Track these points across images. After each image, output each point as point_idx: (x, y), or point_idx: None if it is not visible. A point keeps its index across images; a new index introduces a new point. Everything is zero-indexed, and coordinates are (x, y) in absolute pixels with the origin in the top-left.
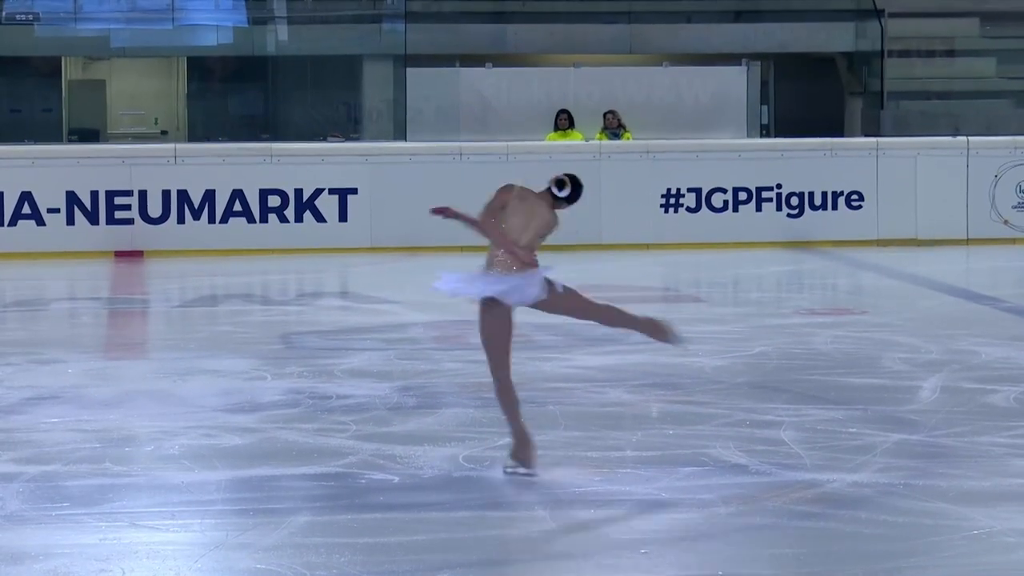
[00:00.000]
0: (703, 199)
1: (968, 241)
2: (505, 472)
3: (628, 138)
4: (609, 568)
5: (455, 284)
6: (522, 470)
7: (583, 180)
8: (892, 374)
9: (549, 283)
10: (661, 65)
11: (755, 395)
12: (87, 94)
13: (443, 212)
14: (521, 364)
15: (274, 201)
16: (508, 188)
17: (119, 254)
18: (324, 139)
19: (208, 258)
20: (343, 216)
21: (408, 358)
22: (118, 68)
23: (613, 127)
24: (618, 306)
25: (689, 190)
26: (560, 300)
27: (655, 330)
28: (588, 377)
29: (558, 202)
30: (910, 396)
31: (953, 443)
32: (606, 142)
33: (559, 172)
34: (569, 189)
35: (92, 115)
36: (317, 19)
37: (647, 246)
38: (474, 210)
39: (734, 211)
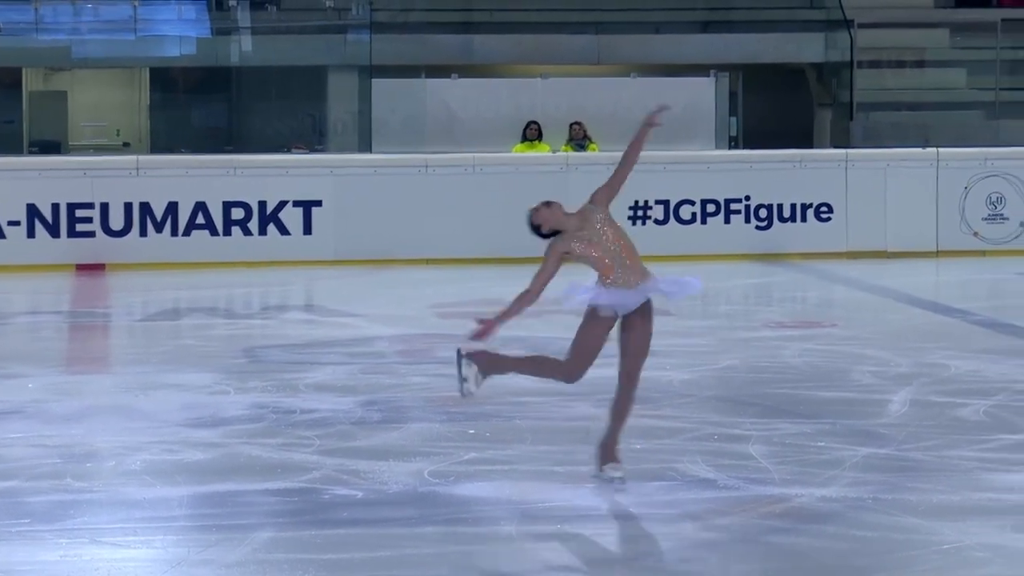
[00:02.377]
0: (671, 211)
1: (938, 253)
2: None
3: (594, 149)
4: None
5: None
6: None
7: (549, 194)
8: (861, 387)
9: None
10: (629, 76)
11: (723, 409)
12: (48, 105)
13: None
14: (489, 378)
15: (238, 213)
16: (560, 241)
17: (81, 267)
18: (288, 151)
19: (171, 271)
20: (307, 229)
21: (373, 372)
22: (80, 79)
23: (579, 138)
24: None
25: (657, 202)
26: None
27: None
28: (556, 391)
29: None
30: (879, 410)
31: (923, 457)
32: (574, 154)
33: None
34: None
35: (53, 127)
36: (281, 29)
37: None
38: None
39: (702, 223)
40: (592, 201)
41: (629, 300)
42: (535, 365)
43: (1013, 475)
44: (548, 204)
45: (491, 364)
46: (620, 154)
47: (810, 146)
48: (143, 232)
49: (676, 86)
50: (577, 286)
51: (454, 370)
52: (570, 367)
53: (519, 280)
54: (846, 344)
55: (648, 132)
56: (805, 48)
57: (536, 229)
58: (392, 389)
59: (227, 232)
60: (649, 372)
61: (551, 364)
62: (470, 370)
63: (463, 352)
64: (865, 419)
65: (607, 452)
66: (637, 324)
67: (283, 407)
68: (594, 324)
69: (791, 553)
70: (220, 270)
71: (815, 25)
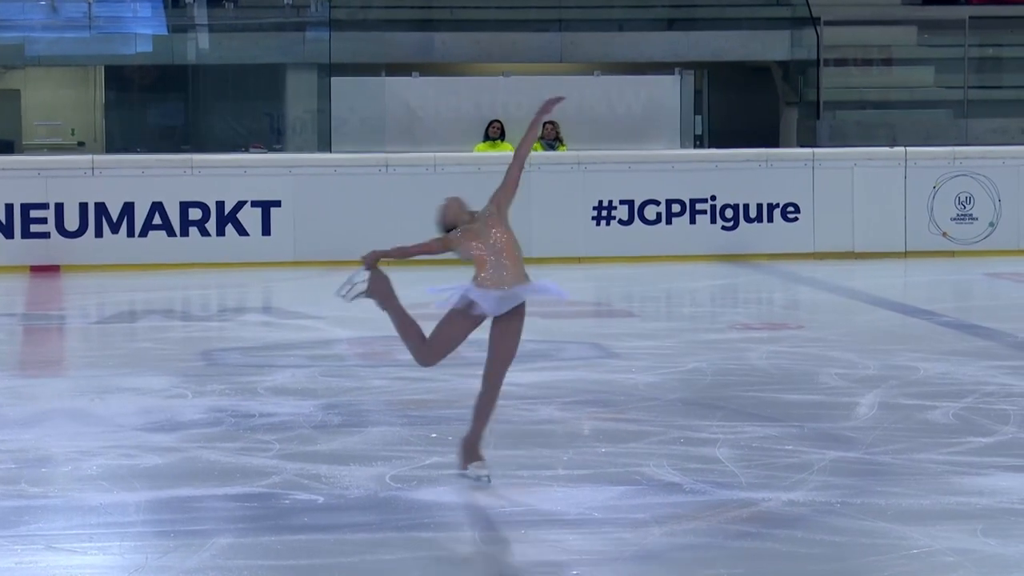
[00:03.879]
0: (635, 211)
1: (906, 254)
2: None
3: (563, 150)
4: None
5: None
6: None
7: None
8: (829, 390)
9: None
10: (593, 74)
11: (689, 412)
12: (1, 104)
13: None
14: (450, 380)
15: (195, 214)
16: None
17: (35, 269)
18: (246, 150)
19: (127, 273)
20: (266, 229)
21: (333, 375)
22: (33, 77)
23: (550, 138)
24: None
25: (621, 202)
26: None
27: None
28: (519, 394)
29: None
30: (847, 413)
31: (891, 460)
32: (537, 153)
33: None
34: None
35: (6, 126)
36: (239, 27)
37: (578, 259)
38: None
39: (667, 224)
40: (491, 202)
41: (498, 300)
42: (406, 327)
43: (983, 478)
44: (455, 199)
45: (383, 292)
46: (584, 153)
47: (776, 145)
48: (99, 233)
49: (640, 84)
50: (447, 287)
51: (345, 276)
52: (426, 352)
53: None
54: (813, 346)
55: (538, 127)
56: (771, 46)
57: (441, 223)
58: (352, 392)
59: (184, 233)
60: (614, 375)
61: (416, 338)
62: (360, 281)
63: (367, 266)
64: (833, 422)
65: (470, 451)
66: (507, 328)
67: (242, 411)
68: (460, 318)
69: (758, 557)
70: (177, 271)
71: (781, 23)
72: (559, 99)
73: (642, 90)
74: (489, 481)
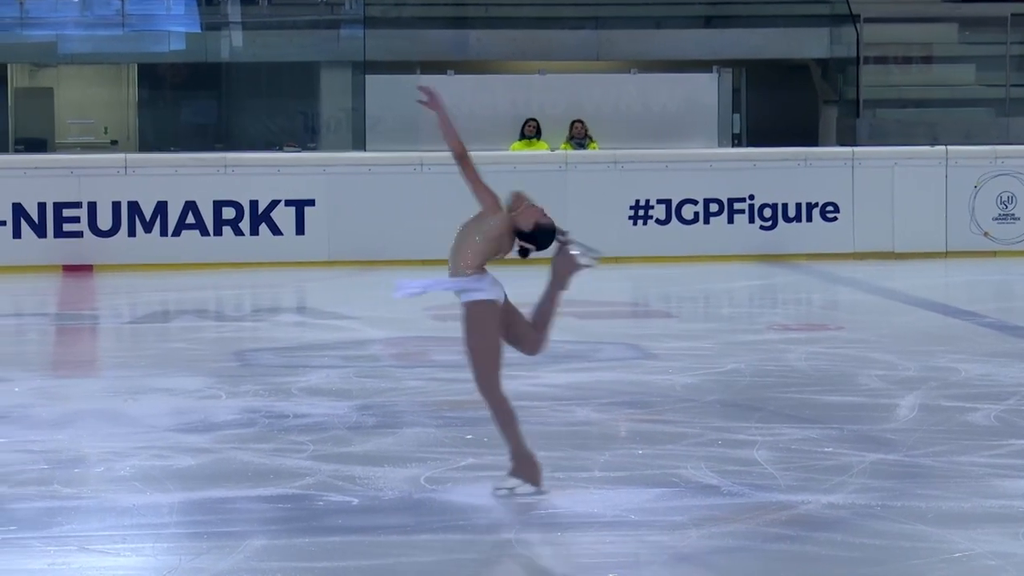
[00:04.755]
0: (673, 211)
1: (947, 254)
2: (497, 494)
3: (595, 148)
4: None
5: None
6: (524, 488)
7: (548, 193)
8: (869, 392)
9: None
10: (629, 72)
11: (727, 414)
12: (34, 102)
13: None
14: None
15: (228, 213)
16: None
17: (67, 268)
18: (280, 149)
19: (160, 272)
20: (300, 229)
21: (367, 376)
22: (66, 75)
23: (580, 137)
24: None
25: (659, 201)
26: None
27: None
28: (554, 395)
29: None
30: (887, 414)
31: (932, 463)
32: (573, 152)
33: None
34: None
35: (39, 124)
36: (273, 24)
37: (615, 260)
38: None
39: (705, 223)
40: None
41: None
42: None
43: None
44: (530, 205)
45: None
46: (620, 152)
47: (815, 144)
48: (131, 232)
49: (677, 82)
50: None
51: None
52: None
53: (517, 281)
54: (853, 347)
55: (442, 122)
56: (810, 43)
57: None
58: (387, 393)
59: (218, 232)
60: (651, 376)
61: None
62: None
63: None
64: (873, 424)
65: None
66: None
67: (276, 411)
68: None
69: (797, 561)
70: (210, 271)
71: (820, 20)
72: (428, 90)
73: (679, 88)
74: (512, 493)
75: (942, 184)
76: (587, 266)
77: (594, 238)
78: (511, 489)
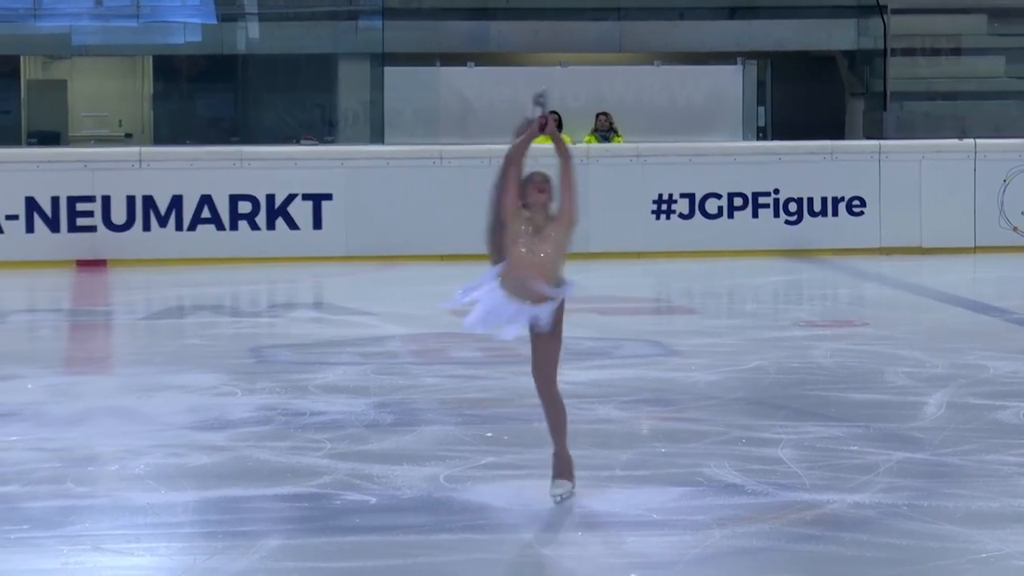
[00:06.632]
0: (697, 205)
1: (975, 249)
2: (555, 501)
3: (619, 141)
4: None
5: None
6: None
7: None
8: (895, 389)
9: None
10: (652, 64)
11: (751, 411)
12: (47, 95)
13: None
14: (505, 379)
15: (244, 207)
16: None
17: (81, 263)
18: (297, 142)
19: (175, 267)
20: (317, 223)
21: (385, 373)
22: (80, 67)
23: (604, 129)
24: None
25: (682, 195)
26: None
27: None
28: (577, 393)
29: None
30: (914, 412)
31: (960, 462)
32: (596, 145)
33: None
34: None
35: (52, 117)
36: (290, 16)
37: (638, 254)
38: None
39: (729, 218)
40: (561, 214)
41: (485, 316)
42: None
43: None
44: (544, 177)
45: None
46: (643, 145)
47: (841, 137)
48: (146, 227)
49: (701, 74)
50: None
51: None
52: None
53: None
54: (879, 344)
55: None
56: (836, 35)
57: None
58: (405, 390)
59: (234, 227)
60: (674, 373)
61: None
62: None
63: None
64: (899, 422)
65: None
66: (536, 340)
67: (292, 409)
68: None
69: (822, 561)
70: (226, 266)
71: (846, 11)
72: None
73: (703, 80)
74: (561, 500)
75: (970, 178)
76: (541, 110)
77: (617, 233)
78: (563, 495)
